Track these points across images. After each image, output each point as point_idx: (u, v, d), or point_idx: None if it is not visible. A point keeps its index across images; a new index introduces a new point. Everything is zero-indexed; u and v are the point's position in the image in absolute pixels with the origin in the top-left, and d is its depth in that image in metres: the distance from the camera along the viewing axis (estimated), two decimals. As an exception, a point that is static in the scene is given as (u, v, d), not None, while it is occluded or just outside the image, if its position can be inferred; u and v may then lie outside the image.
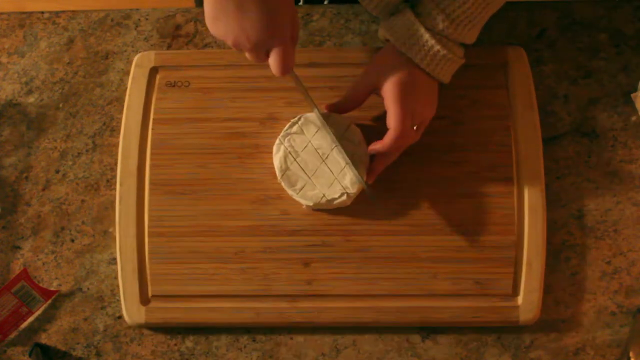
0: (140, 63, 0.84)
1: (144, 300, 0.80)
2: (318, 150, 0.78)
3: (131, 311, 0.79)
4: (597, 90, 0.85)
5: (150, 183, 0.81)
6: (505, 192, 0.80)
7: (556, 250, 0.81)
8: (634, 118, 0.84)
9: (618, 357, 0.79)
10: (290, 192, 0.78)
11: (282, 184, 0.78)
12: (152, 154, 0.82)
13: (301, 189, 0.78)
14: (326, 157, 0.78)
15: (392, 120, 0.74)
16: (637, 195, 0.82)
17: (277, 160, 0.79)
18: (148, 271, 0.80)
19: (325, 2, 1.03)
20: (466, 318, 0.78)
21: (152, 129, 0.83)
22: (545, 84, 0.85)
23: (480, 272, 0.79)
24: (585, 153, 0.83)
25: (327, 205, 0.78)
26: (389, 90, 0.75)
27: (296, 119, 0.79)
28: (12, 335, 0.81)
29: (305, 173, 0.78)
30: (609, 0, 0.87)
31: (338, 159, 0.78)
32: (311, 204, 0.78)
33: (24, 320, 0.81)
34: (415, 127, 0.76)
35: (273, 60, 0.69)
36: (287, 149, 0.78)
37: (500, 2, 0.75)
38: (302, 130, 0.79)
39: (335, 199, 0.78)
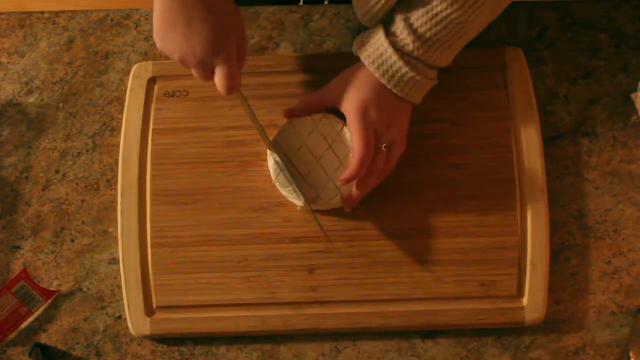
0: (137, 74, 0.84)
1: (149, 311, 0.80)
2: (312, 151, 0.78)
3: (136, 323, 0.79)
4: (597, 90, 0.85)
5: (152, 194, 0.81)
6: (507, 193, 0.80)
7: (556, 250, 0.81)
8: (634, 118, 0.84)
9: (618, 357, 0.79)
10: (284, 192, 0.78)
11: (277, 185, 0.78)
12: (152, 164, 0.82)
13: (295, 190, 0.78)
14: (320, 158, 0.78)
15: (354, 142, 0.74)
16: (637, 195, 0.82)
17: (271, 161, 0.79)
18: (152, 282, 0.80)
19: (326, 2, 1.03)
20: (471, 320, 0.78)
21: (152, 139, 0.82)
22: (545, 84, 0.85)
23: (484, 274, 0.79)
24: (585, 153, 0.83)
25: (321, 206, 0.78)
26: (350, 111, 0.75)
27: (290, 120, 0.79)
28: (12, 335, 0.81)
29: (299, 174, 0.78)
30: (609, 0, 0.87)
31: (332, 158, 0.78)
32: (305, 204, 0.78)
33: (24, 320, 0.81)
34: (383, 147, 0.75)
35: (218, 79, 0.70)
36: (282, 149, 0.78)
37: (477, 29, 0.75)
38: (296, 130, 0.79)
39: (329, 199, 0.78)
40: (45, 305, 0.82)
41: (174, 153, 0.82)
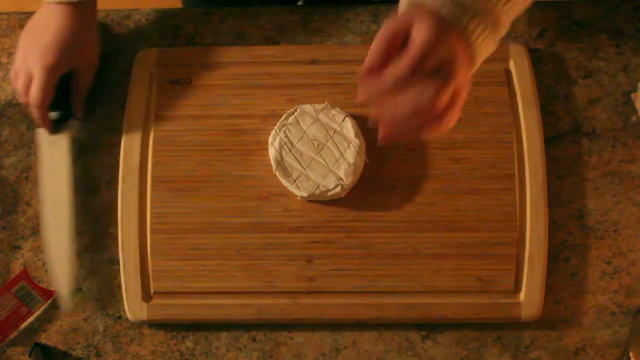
0: (141, 60, 0.84)
1: (146, 297, 0.80)
2: (313, 141, 0.79)
3: (133, 308, 0.79)
4: (597, 90, 0.85)
5: (152, 180, 0.81)
6: (506, 189, 0.80)
7: (556, 250, 0.81)
8: (634, 118, 0.84)
9: (618, 357, 0.79)
10: (285, 182, 0.79)
11: (277, 174, 0.78)
12: (154, 151, 0.82)
13: (296, 180, 0.78)
14: (321, 148, 0.78)
15: (419, 30, 0.58)
16: (637, 195, 0.82)
17: (272, 151, 0.79)
18: (150, 268, 0.80)
19: (300, 3, 1.03)
20: (468, 315, 0.78)
21: (154, 126, 0.83)
22: (545, 84, 0.85)
23: (482, 269, 0.79)
24: (585, 153, 0.83)
25: (321, 197, 0.78)
26: (425, 16, 0.60)
27: (292, 109, 0.79)
28: (12, 335, 0.81)
29: (300, 164, 0.78)
30: (609, 0, 0.87)
31: (333, 150, 0.78)
32: (305, 194, 0.78)
33: (24, 321, 0.81)
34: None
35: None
36: (282, 139, 0.79)
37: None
38: (297, 121, 0.79)
39: (330, 190, 0.78)
40: (45, 305, 0.81)
41: (176, 140, 0.82)
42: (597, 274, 0.81)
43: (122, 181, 0.82)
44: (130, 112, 0.83)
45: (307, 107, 0.79)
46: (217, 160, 0.82)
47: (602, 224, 0.82)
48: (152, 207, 0.81)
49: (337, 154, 0.78)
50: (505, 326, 0.80)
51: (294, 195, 0.80)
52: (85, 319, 0.81)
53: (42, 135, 0.83)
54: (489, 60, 0.82)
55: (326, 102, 0.79)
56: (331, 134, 0.79)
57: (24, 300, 0.80)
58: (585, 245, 0.81)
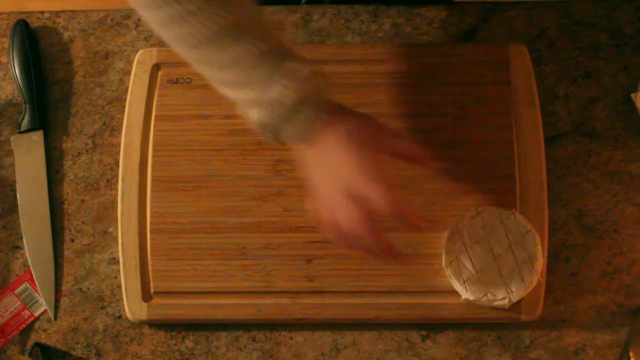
0: (142, 60, 0.84)
1: (146, 297, 0.80)
2: (493, 247, 0.76)
3: (133, 308, 0.79)
4: (597, 90, 0.85)
5: (152, 180, 0.81)
6: (506, 189, 0.80)
7: (556, 250, 0.81)
8: (634, 118, 0.84)
9: (618, 357, 0.79)
10: (453, 280, 0.76)
11: (447, 270, 0.77)
12: (154, 150, 0.82)
13: (465, 281, 0.76)
14: (499, 255, 0.76)
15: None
16: (637, 195, 0.82)
17: (448, 244, 0.77)
18: (150, 268, 0.80)
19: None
20: (468, 315, 0.78)
21: (154, 125, 0.83)
22: (545, 83, 0.85)
23: None
24: (585, 153, 0.83)
25: (487, 304, 0.76)
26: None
27: (476, 210, 0.77)
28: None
29: (473, 266, 0.76)
30: (609, 0, 0.87)
31: (510, 260, 0.76)
32: (472, 298, 0.76)
33: (26, 324, 0.81)
34: None
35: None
36: (462, 236, 0.77)
37: None
38: (479, 222, 0.77)
39: (497, 300, 0.76)
40: (46, 307, 0.82)
41: (175, 140, 0.82)
42: (597, 273, 0.81)
43: (122, 180, 0.82)
44: (130, 112, 0.83)
45: (493, 210, 0.77)
46: (216, 160, 0.82)
47: (602, 224, 0.82)
48: (152, 207, 0.81)
49: (513, 266, 0.76)
50: (505, 326, 0.80)
51: (293, 195, 0.80)
52: (85, 319, 0.82)
53: (17, 142, 0.83)
54: (489, 60, 0.83)
55: (514, 210, 0.78)
56: (512, 243, 0.76)
57: (26, 303, 0.80)
58: (585, 245, 0.81)
